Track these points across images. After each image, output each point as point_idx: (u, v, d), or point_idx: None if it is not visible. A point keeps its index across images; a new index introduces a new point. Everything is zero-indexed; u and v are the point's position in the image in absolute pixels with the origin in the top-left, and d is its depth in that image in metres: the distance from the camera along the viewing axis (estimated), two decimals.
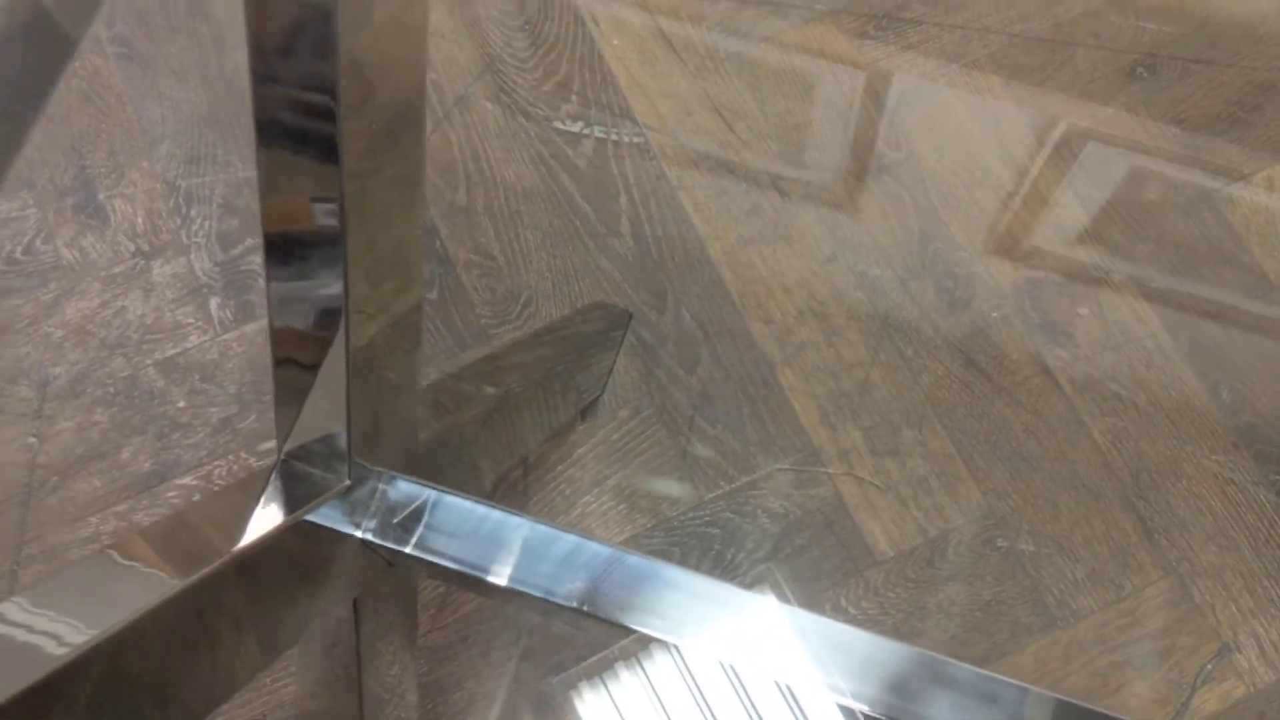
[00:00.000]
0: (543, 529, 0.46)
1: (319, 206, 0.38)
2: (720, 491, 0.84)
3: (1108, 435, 0.85)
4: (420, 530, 0.47)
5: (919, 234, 0.90)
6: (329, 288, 0.39)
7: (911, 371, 0.86)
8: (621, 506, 0.84)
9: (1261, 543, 0.82)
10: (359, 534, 0.46)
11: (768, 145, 0.92)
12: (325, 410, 0.43)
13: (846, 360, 0.87)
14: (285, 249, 0.39)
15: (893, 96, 0.94)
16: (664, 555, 0.82)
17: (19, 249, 0.89)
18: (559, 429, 0.84)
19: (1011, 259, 0.89)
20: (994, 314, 0.88)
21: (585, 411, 0.86)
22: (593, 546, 0.45)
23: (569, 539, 0.45)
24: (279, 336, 0.41)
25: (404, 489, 0.47)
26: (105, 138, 0.92)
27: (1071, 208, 0.90)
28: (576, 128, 0.93)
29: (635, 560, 0.45)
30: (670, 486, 0.84)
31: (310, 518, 0.42)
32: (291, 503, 0.42)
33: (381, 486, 0.46)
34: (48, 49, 0.96)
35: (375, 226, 0.39)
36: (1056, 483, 0.84)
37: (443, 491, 0.47)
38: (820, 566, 0.82)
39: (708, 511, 0.83)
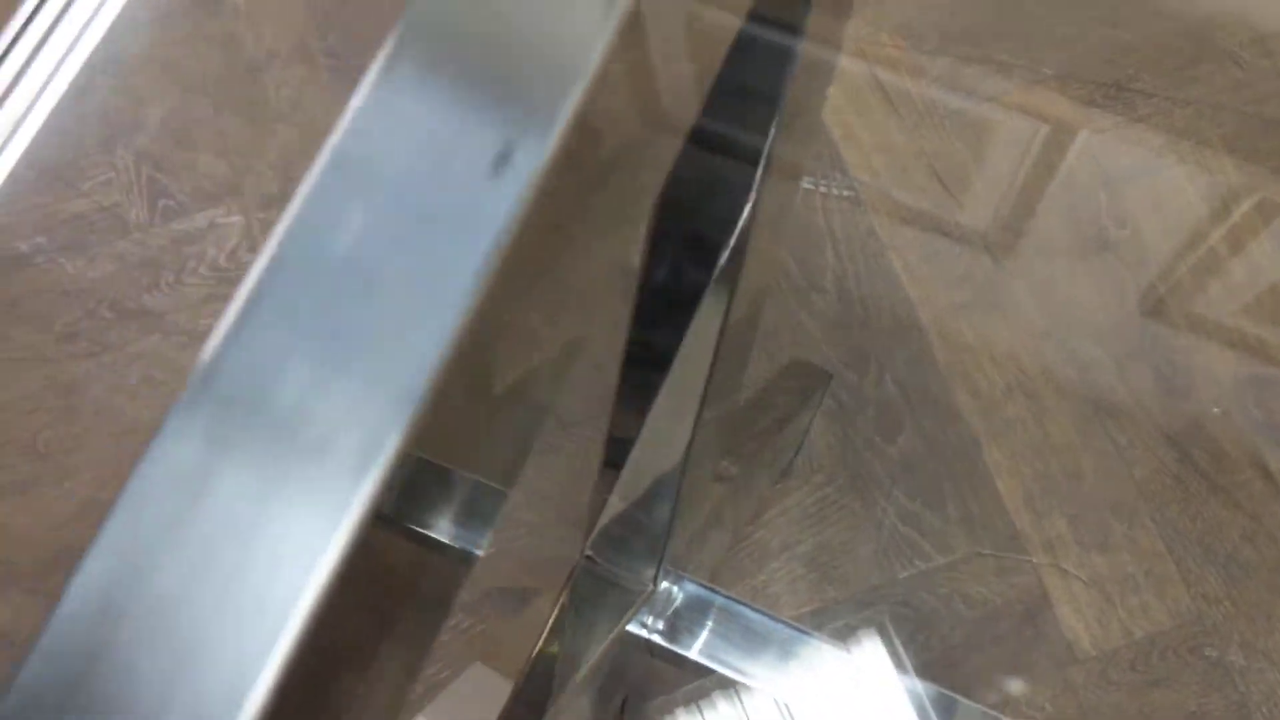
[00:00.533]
0: (818, 643, 0.44)
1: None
2: (916, 570, 0.81)
3: None
4: (704, 636, 0.44)
5: (1138, 315, 0.86)
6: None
7: (1124, 461, 0.83)
8: (811, 575, 0.81)
9: None
10: (646, 635, 0.44)
11: (984, 209, 0.89)
12: (642, 512, 0.41)
13: (1055, 442, 0.83)
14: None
15: (1119, 170, 0.90)
16: (851, 631, 0.79)
17: (223, 256, 0.89)
18: (764, 499, 0.82)
19: (1235, 350, 0.85)
20: (1214, 409, 0.84)
21: (781, 474, 0.83)
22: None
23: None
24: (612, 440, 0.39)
25: (693, 593, 0.45)
26: (312, 148, 0.91)
27: None
28: None
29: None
30: (863, 559, 0.81)
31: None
32: (598, 609, 0.40)
33: (675, 590, 0.44)
34: None
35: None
36: (1273, 593, 0.80)
37: (729, 599, 0.45)
38: (1019, 660, 0.79)
39: (901, 590, 0.81)
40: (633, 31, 0.19)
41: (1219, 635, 0.79)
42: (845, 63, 0.93)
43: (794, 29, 0.31)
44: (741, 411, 0.83)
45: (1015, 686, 0.78)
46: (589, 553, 0.43)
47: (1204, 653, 0.78)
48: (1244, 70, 0.93)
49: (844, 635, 0.80)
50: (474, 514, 0.22)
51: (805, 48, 0.32)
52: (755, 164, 0.30)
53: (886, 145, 0.91)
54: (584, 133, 0.19)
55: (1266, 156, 0.90)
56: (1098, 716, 0.78)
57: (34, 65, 0.92)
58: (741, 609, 0.44)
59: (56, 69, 0.92)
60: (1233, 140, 0.91)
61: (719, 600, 0.44)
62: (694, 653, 0.44)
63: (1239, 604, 0.79)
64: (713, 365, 0.35)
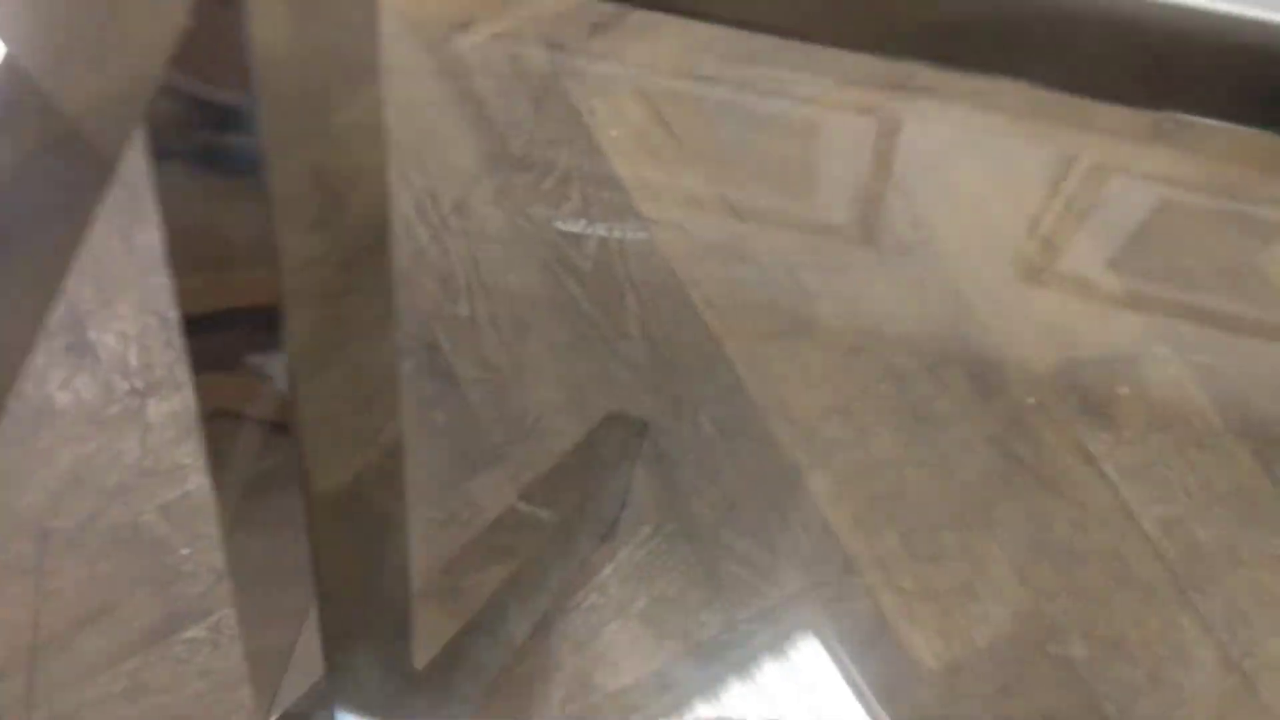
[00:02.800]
0: None
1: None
2: (754, 610, 0.80)
3: (1159, 524, 0.80)
4: None
5: (944, 319, 0.85)
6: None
7: (948, 468, 0.82)
8: (650, 632, 0.80)
9: None
10: None
11: (781, 233, 0.88)
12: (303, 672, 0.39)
13: (878, 459, 0.82)
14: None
15: (910, 173, 0.89)
16: (695, 684, 0.78)
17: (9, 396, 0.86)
18: (580, 558, 0.81)
19: (1045, 339, 0.85)
20: (1029, 400, 0.83)
21: (606, 533, 0.82)
22: None
23: None
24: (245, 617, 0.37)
25: None
26: (91, 270, 0.89)
27: (1106, 279, 0.86)
28: (579, 227, 0.89)
29: None
30: (700, 607, 0.80)
31: None
32: None
33: None
34: (82, 174, 0.93)
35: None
36: (1107, 579, 0.79)
37: None
38: (867, 686, 0.78)
39: (741, 634, 0.79)
40: None
41: (1060, 630, 0.78)
42: (626, 103, 0.92)
43: None
44: (555, 476, 0.81)
45: (867, 714, 0.77)
46: None
47: (1048, 650, 0.78)
48: None
49: (689, 690, 0.78)
50: None
51: None
52: None
53: (675, 182, 0.90)
54: None
55: (1052, 131, 0.90)
56: None
57: None
58: None
59: None
60: (1020, 119, 0.90)
61: None
62: None
63: (1076, 595, 0.79)
64: None
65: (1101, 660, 0.77)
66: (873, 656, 0.78)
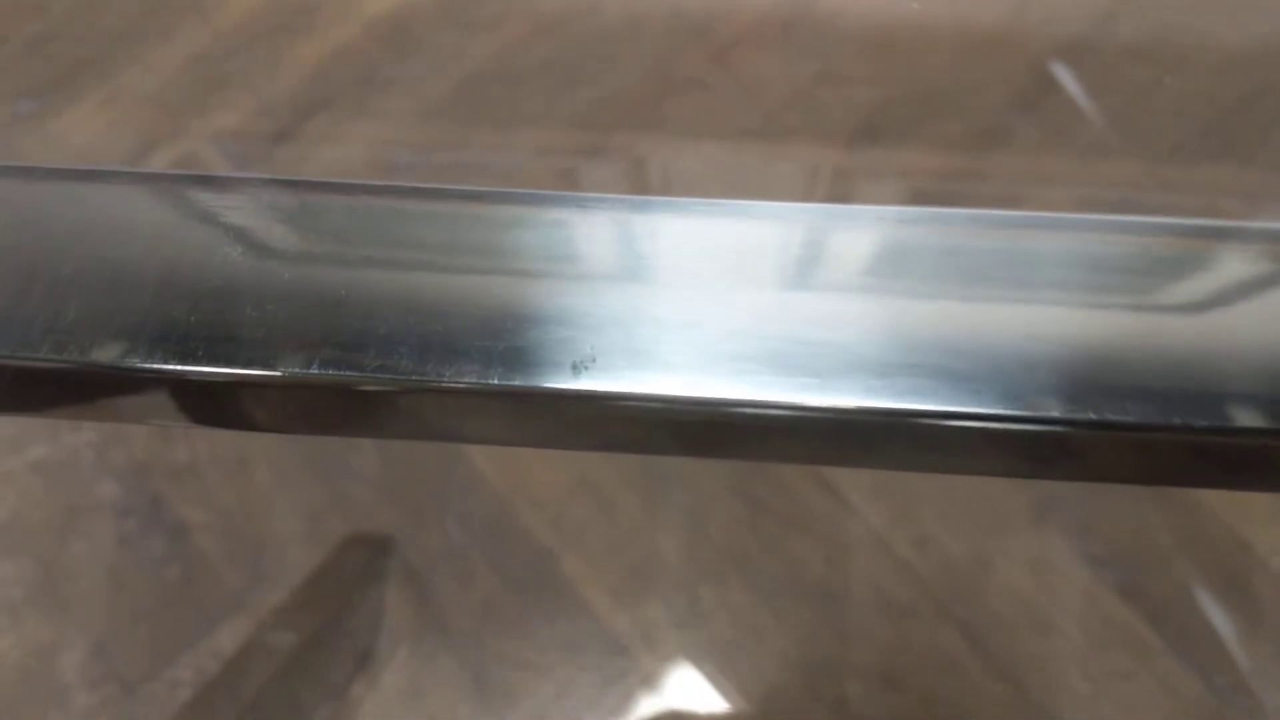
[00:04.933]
0: None
1: None
2: (526, 710, 0.78)
3: (909, 544, 0.80)
4: None
5: None
6: None
7: (696, 524, 0.81)
8: None
9: (1086, 619, 0.79)
10: None
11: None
12: None
13: (626, 530, 0.81)
14: None
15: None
16: None
17: None
18: (338, 692, 0.77)
19: None
20: None
21: (362, 660, 0.79)
22: None
23: None
24: None
25: None
26: None
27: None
28: None
29: None
30: (470, 718, 0.78)
31: None
32: None
33: None
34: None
35: None
36: (867, 611, 0.79)
37: None
38: None
39: None
40: None
41: (830, 671, 0.78)
42: None
43: None
44: (296, 604, 0.78)
45: None
46: None
47: (820, 694, 0.78)
48: (710, 91, 0.93)
49: None
50: None
51: None
52: None
53: None
54: None
55: (749, 168, 0.90)
56: None
57: None
58: None
59: None
60: (714, 162, 0.90)
61: None
62: None
63: (838, 633, 0.79)
64: None
65: (875, 693, 0.77)
66: None
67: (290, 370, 0.23)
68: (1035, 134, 0.90)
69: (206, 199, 0.26)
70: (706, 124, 0.91)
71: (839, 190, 0.89)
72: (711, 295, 0.24)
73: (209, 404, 0.25)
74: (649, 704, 0.77)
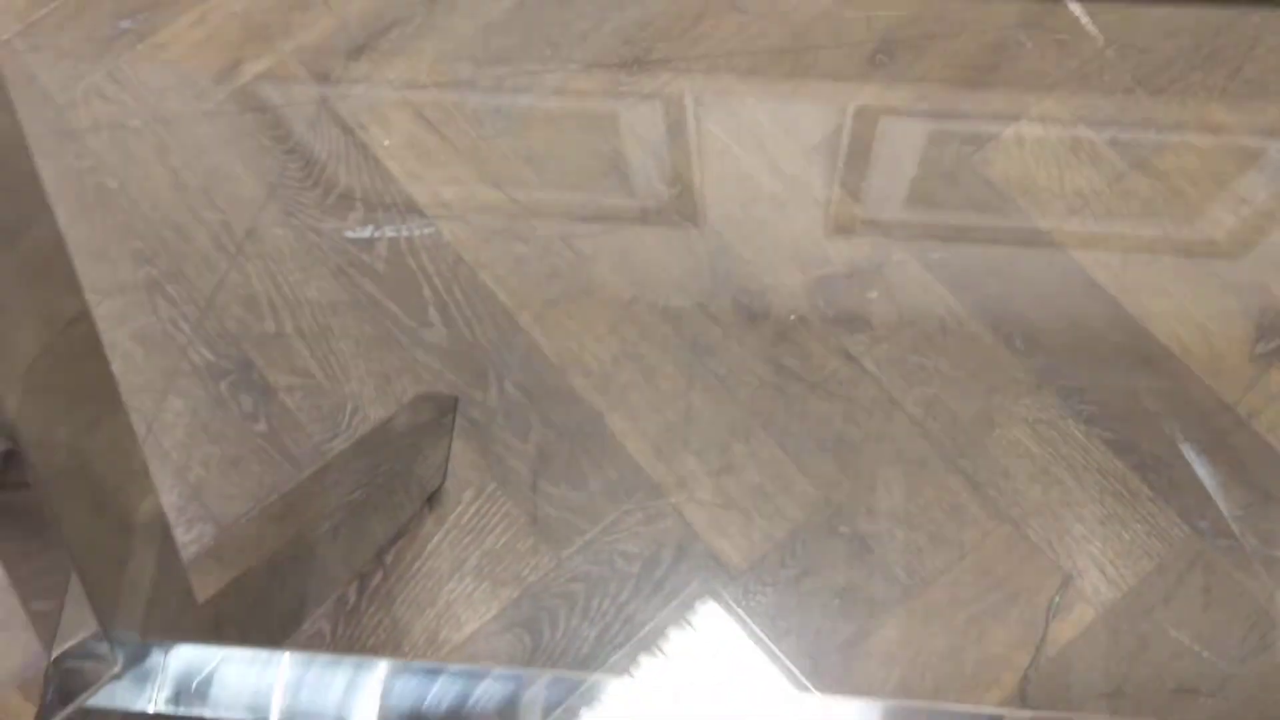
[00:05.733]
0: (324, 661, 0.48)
1: None
2: (575, 546, 0.87)
3: (920, 405, 0.89)
4: (211, 692, 0.49)
5: (707, 259, 0.94)
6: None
7: (728, 389, 0.90)
8: (485, 585, 0.87)
9: (1080, 469, 0.87)
10: (151, 709, 0.48)
11: (552, 208, 0.96)
12: (76, 604, 0.45)
13: (667, 393, 0.91)
14: None
15: (657, 136, 0.98)
16: (534, 622, 0.85)
17: None
18: (406, 526, 0.87)
19: (797, 262, 0.94)
20: (791, 317, 0.92)
21: (431, 502, 0.88)
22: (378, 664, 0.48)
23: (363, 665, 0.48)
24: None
25: (187, 656, 0.49)
26: None
27: (843, 201, 0.95)
28: (367, 233, 0.96)
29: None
30: (528, 553, 0.87)
31: (95, 703, 0.45)
32: (65, 699, 0.44)
33: (163, 658, 0.48)
34: None
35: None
36: (881, 461, 0.88)
37: (230, 648, 0.49)
38: (683, 594, 0.85)
39: (567, 569, 0.86)
40: None
41: (847, 512, 0.87)
42: (392, 113, 0.99)
43: None
44: (368, 442, 0.88)
45: (684, 616, 0.85)
46: None
47: (839, 532, 0.86)
48: (743, 13, 1.02)
49: (525, 625, 0.85)
50: None
51: None
52: None
53: (450, 177, 0.98)
54: None
55: (780, 82, 0.99)
56: (763, 619, 0.85)
57: None
58: (244, 654, 0.49)
59: None
60: (749, 78, 1.00)
61: (218, 654, 0.49)
62: (205, 710, 0.48)
63: (856, 480, 0.88)
64: None
65: (887, 531, 0.86)
66: (686, 566, 0.86)
67: None
68: (1039, 49, 1.00)
69: None
70: (740, 41, 1.01)
71: (860, 100, 0.99)
72: None
73: None
74: (684, 541, 0.87)
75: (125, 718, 0.47)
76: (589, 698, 0.46)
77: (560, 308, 0.94)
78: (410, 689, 0.47)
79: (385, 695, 0.47)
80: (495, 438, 0.90)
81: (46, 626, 0.45)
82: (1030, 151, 0.96)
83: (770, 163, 0.97)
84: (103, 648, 0.45)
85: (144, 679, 0.47)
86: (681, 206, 0.96)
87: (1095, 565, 0.85)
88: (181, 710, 0.48)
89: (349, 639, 0.86)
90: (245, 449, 0.91)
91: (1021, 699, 0.82)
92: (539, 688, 0.47)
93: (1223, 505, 0.86)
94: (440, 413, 0.90)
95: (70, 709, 0.42)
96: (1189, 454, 0.87)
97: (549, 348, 0.93)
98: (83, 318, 0.40)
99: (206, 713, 0.48)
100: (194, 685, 0.48)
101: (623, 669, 0.84)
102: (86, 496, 0.45)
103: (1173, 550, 0.85)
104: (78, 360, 0.41)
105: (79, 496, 0.45)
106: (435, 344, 0.93)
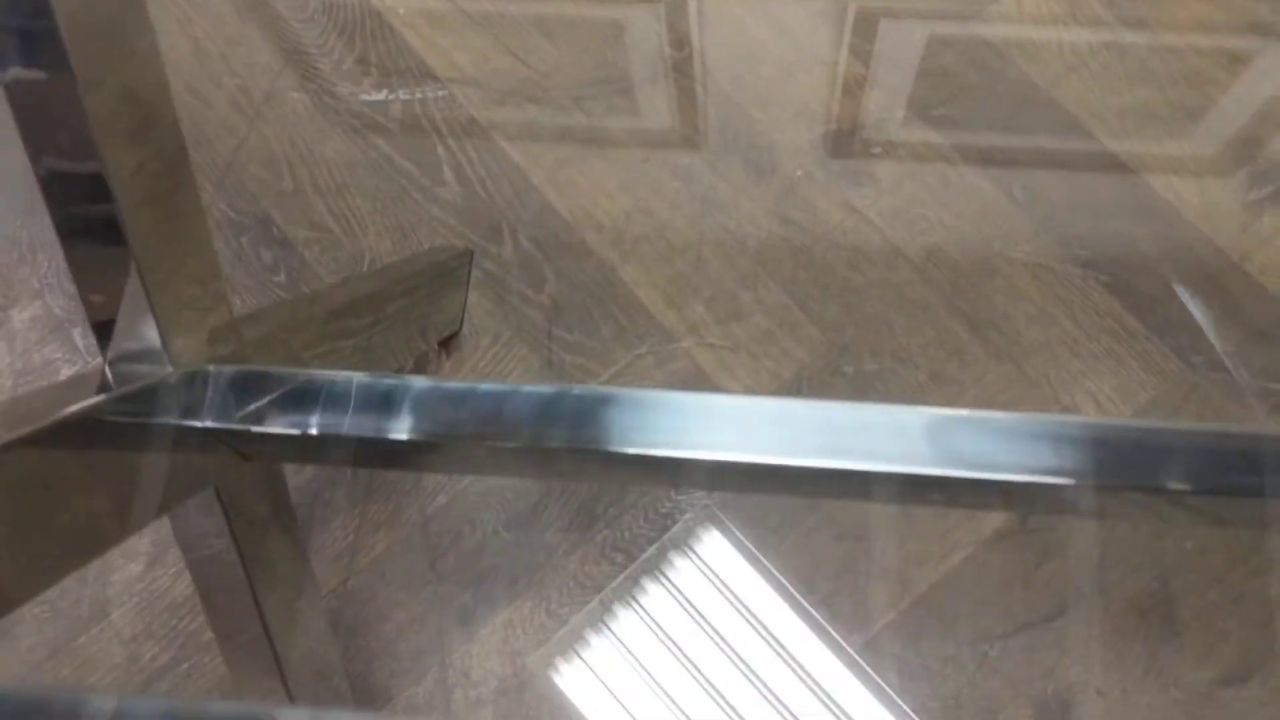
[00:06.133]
0: (365, 380, 0.51)
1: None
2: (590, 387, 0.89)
3: (923, 253, 0.92)
4: (259, 409, 0.51)
5: (716, 119, 0.97)
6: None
7: (737, 241, 0.93)
8: None
9: (1077, 310, 0.90)
10: (191, 424, 0.50)
11: (563, 72, 0.99)
12: (135, 312, 0.48)
13: (677, 245, 0.93)
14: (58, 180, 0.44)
15: (669, 4, 1.00)
16: None
17: None
18: (424, 368, 0.90)
19: (804, 121, 0.96)
20: (798, 172, 0.95)
21: (447, 347, 0.91)
22: (417, 383, 0.50)
23: (399, 384, 0.51)
24: (75, 259, 0.46)
25: (234, 375, 0.52)
26: None
27: (849, 63, 0.98)
28: (382, 95, 0.98)
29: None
30: None
31: (149, 419, 0.47)
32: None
33: (212, 374, 0.51)
34: None
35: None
36: (885, 305, 0.91)
37: (274, 368, 0.52)
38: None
39: None
40: None
41: (851, 353, 0.90)
42: None
43: None
44: (390, 282, 0.90)
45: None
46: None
47: (843, 371, 0.89)
48: None
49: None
50: None
51: None
52: None
53: (464, 44, 1.00)
54: None
55: None
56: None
57: None
58: (281, 372, 0.51)
59: None
60: None
61: (260, 373, 0.51)
62: (250, 426, 0.50)
63: (860, 323, 0.90)
64: None
65: (890, 370, 0.89)
66: None
67: None
68: None
69: None
70: None
71: None
72: None
73: None
74: (694, 382, 0.89)
75: (178, 430, 0.50)
76: (611, 404, 0.49)
77: (573, 167, 0.96)
78: (445, 402, 0.50)
79: (420, 410, 0.50)
80: (510, 289, 0.93)
81: (104, 327, 0.47)
82: (1028, 12, 0.99)
83: (778, 25, 0.99)
84: (160, 356, 0.48)
85: (195, 392, 0.50)
86: (691, 69, 0.98)
87: (1092, 399, 0.88)
88: (225, 425, 0.50)
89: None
90: (264, 299, 0.93)
91: (1023, 525, 0.85)
92: (568, 400, 0.49)
93: (1216, 342, 0.88)
94: (456, 264, 0.93)
95: (119, 392, 0.45)
96: (1184, 295, 0.90)
97: (562, 205, 0.95)
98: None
99: (252, 427, 0.50)
100: (239, 401, 0.51)
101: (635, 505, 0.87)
102: (158, 227, 0.48)
103: (1168, 384, 0.88)
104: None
105: (151, 225, 0.47)
106: (450, 201, 0.95)
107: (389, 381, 0.50)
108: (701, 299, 0.92)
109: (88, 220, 0.46)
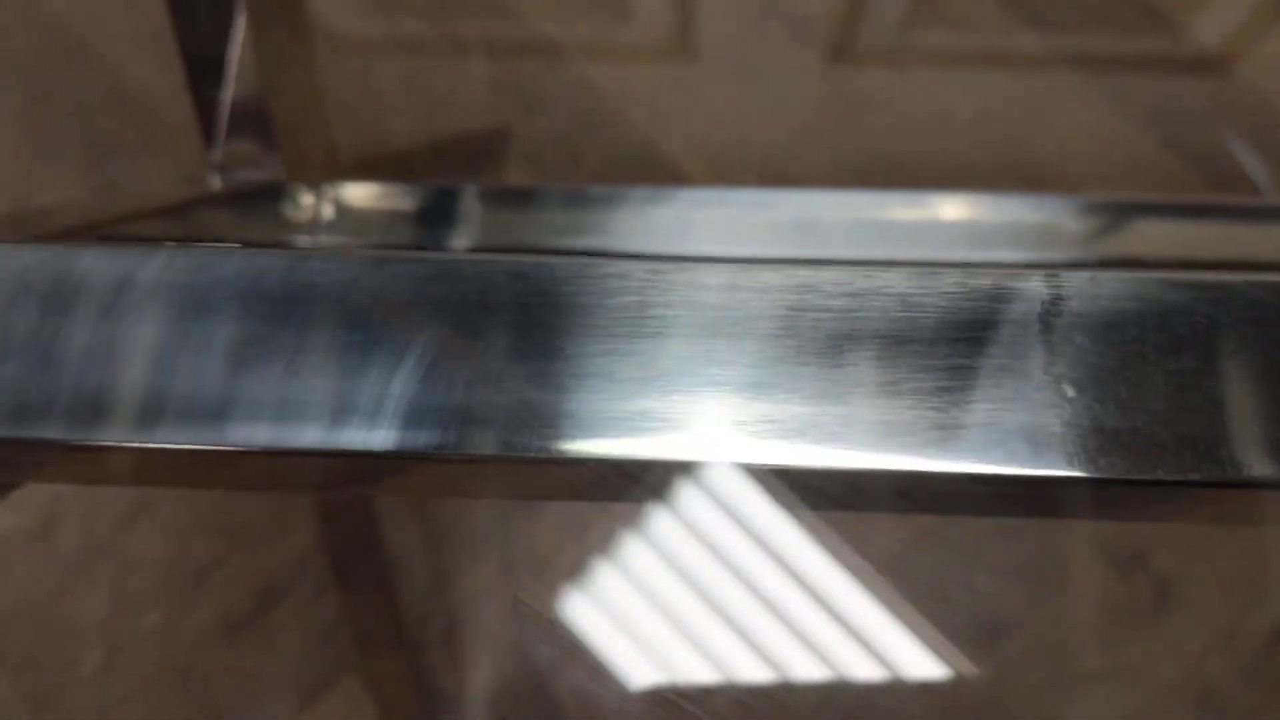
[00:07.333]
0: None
1: None
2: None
3: (972, 116, 0.90)
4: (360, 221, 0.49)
5: None
6: None
7: (782, 110, 0.90)
8: None
9: (1129, 169, 0.88)
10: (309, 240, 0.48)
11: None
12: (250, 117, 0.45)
13: (720, 116, 0.91)
14: None
15: None
16: None
17: None
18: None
19: None
20: (840, 42, 0.92)
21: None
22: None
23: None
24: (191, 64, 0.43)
25: (345, 190, 0.49)
26: None
27: None
28: None
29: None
30: None
31: (259, 232, 0.45)
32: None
33: (325, 191, 0.48)
34: None
35: None
36: (937, 176, 0.89)
37: (377, 184, 0.49)
38: None
39: None
40: None
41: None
42: None
43: None
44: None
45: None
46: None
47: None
48: None
49: None
50: None
51: None
52: None
53: None
54: None
55: None
56: None
57: None
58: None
59: None
60: None
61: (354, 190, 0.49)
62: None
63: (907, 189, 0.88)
64: None
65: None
66: None
67: None
68: None
69: None
70: None
71: None
72: None
73: None
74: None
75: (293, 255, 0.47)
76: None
77: (606, 44, 0.93)
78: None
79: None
80: (548, 164, 0.90)
81: (213, 122, 0.45)
82: None
83: None
84: (273, 159, 0.45)
85: (305, 205, 0.47)
86: None
87: None
88: (325, 240, 0.48)
89: None
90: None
91: None
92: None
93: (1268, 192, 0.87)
94: (490, 143, 0.90)
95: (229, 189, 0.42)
96: (1236, 150, 0.88)
97: (598, 78, 0.92)
98: None
99: (358, 241, 0.48)
100: (344, 216, 0.48)
101: None
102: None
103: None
104: None
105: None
106: (483, 77, 0.92)
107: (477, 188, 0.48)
108: (749, 170, 0.89)
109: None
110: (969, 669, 0.77)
